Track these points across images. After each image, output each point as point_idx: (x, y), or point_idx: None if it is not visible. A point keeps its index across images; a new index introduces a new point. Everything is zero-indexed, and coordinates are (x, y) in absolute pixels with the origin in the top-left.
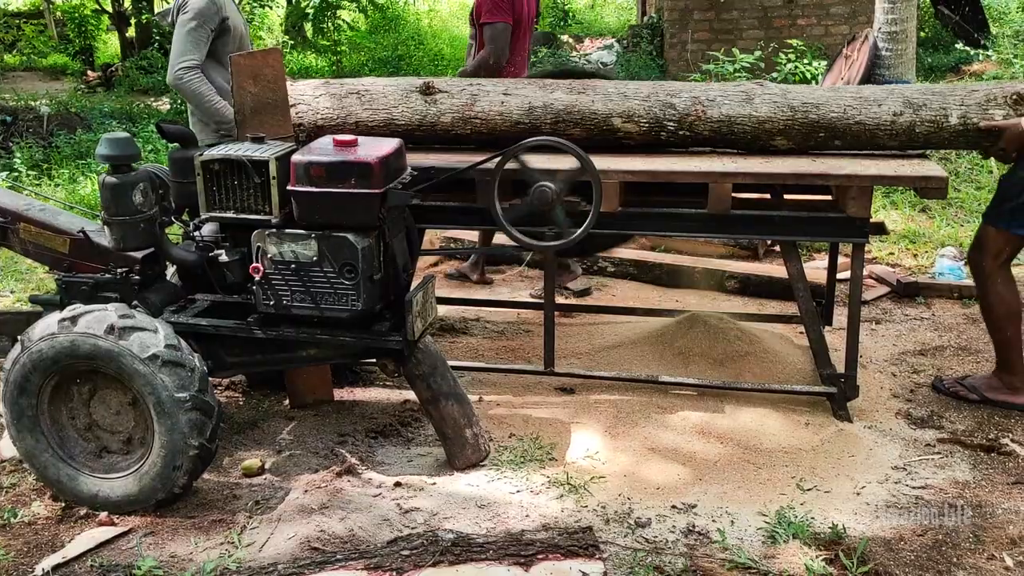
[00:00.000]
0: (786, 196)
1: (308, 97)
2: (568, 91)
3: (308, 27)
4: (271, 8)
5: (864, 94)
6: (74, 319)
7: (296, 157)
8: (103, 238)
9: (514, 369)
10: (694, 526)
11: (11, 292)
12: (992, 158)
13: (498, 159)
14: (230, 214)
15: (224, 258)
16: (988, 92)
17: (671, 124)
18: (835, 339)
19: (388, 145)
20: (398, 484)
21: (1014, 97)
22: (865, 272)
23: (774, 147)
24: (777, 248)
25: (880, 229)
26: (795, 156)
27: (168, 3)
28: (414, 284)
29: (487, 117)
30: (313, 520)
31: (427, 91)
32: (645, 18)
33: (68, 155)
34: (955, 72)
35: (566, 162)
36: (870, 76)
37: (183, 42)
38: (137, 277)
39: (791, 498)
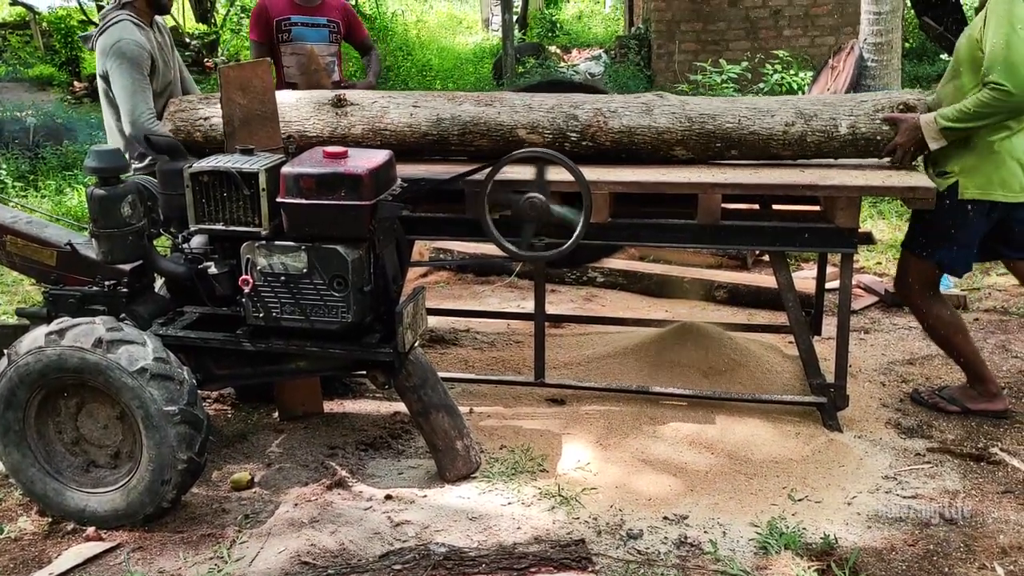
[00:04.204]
0: (774, 207)
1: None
2: (475, 103)
3: None
4: None
5: (759, 105)
6: (61, 332)
7: (286, 169)
8: (91, 250)
9: (505, 380)
10: (686, 537)
11: None
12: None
13: (488, 170)
14: (219, 226)
15: (213, 270)
16: (876, 102)
17: (574, 135)
18: (824, 349)
19: (378, 157)
20: (389, 497)
21: (900, 107)
22: (853, 282)
23: (674, 157)
24: (766, 258)
25: (868, 239)
26: (785, 167)
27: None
28: (404, 295)
29: (396, 129)
30: (303, 534)
31: (339, 104)
32: (632, 29)
33: (54, 166)
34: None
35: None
36: (856, 86)
37: (133, 94)
38: (125, 290)
39: (782, 508)
